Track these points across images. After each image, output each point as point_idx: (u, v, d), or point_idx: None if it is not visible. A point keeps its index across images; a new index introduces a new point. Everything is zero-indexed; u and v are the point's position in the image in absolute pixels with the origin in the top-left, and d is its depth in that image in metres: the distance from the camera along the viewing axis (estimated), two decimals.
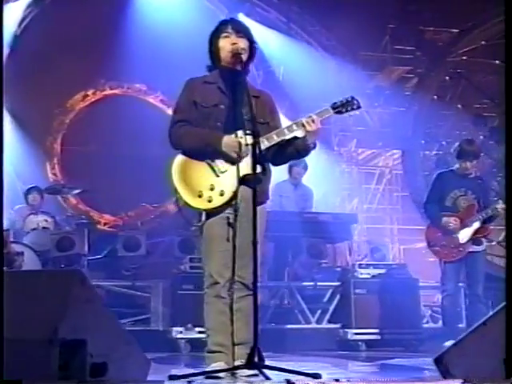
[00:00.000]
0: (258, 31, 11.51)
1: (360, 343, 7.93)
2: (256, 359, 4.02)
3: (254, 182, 4.25)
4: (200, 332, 7.56)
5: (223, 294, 4.46)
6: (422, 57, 11.68)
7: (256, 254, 4.22)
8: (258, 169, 4.40)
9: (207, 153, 4.42)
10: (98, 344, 3.13)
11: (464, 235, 6.88)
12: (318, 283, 8.37)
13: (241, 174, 4.39)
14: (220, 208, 4.42)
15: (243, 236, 4.42)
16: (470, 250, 6.91)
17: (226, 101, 4.50)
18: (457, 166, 7.15)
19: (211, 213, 4.44)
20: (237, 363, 4.36)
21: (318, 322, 8.27)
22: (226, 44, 4.54)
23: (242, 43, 4.53)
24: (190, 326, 7.56)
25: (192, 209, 4.44)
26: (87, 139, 12.61)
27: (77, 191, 9.03)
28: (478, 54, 10.54)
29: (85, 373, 3.04)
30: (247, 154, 4.38)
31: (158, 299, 7.94)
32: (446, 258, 6.93)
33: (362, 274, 8.09)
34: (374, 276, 8.09)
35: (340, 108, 4.55)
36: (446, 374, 3.51)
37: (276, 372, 4.00)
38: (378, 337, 7.95)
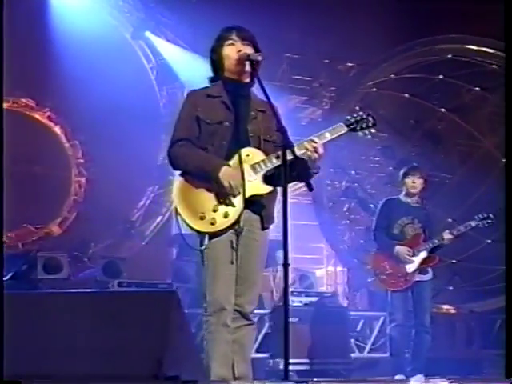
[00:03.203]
0: (166, 50, 11.22)
1: (291, 373, 7.72)
2: None
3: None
4: None
5: (229, 322, 4.14)
6: (324, 87, 11.75)
7: (287, 279, 3.99)
8: (268, 188, 4.19)
9: (203, 179, 4.11)
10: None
11: (411, 264, 6.86)
12: None
13: (247, 195, 4.12)
14: (224, 231, 4.12)
15: (243, 262, 4.21)
16: (417, 279, 6.88)
17: (231, 117, 4.21)
18: (403, 192, 7.16)
19: (213, 235, 4.12)
20: None
21: None
22: (231, 52, 4.25)
23: (249, 50, 4.24)
24: None
25: (194, 232, 4.12)
26: None
27: None
28: (387, 87, 10.74)
29: None
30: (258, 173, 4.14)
31: None
32: (393, 287, 6.84)
33: (294, 301, 7.92)
34: (306, 304, 7.96)
35: (354, 125, 4.30)
36: None
37: None
38: (308, 367, 7.80)
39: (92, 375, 2.50)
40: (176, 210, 4.11)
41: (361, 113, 4.34)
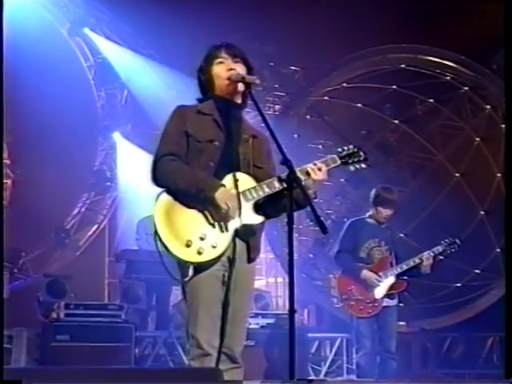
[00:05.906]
0: (105, 48, 10.60)
1: None
2: None
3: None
4: None
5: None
6: (268, 90, 11.35)
7: (293, 327, 3.54)
8: (259, 219, 3.81)
9: (195, 199, 3.70)
10: None
11: (379, 290, 6.48)
12: None
13: (239, 225, 3.72)
14: (211, 262, 3.70)
15: (232, 299, 3.78)
16: (384, 304, 6.50)
17: (222, 137, 3.84)
18: (370, 213, 6.78)
19: (199, 267, 3.70)
20: None
21: None
22: (221, 71, 3.92)
23: (240, 69, 3.92)
24: None
25: (177, 260, 3.67)
26: None
27: None
28: (339, 95, 10.38)
29: None
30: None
31: (20, 351, 6.77)
32: (361, 314, 6.43)
33: (250, 324, 7.46)
34: (262, 326, 7.51)
35: (346, 158, 4.03)
36: None
37: None
38: None
39: None
40: (156, 233, 3.64)
41: (351, 146, 4.10)
